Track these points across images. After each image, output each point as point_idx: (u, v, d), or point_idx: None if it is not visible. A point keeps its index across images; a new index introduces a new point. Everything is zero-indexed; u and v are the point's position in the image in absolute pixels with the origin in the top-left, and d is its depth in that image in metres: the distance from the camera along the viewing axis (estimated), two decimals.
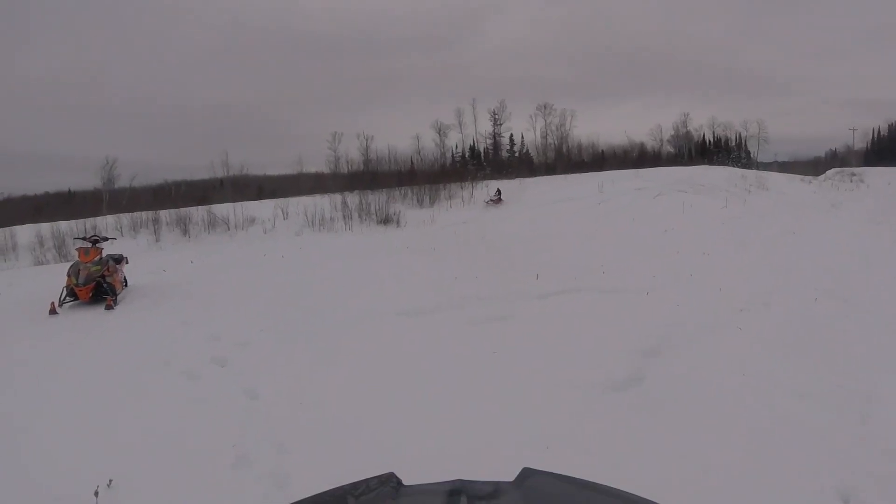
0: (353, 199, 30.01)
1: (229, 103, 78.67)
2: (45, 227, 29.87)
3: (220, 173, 49.10)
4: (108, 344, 7.97)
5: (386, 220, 27.62)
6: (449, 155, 58.86)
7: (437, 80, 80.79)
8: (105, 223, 29.85)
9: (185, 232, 29.14)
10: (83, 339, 8.28)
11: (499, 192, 30.72)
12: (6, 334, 8.66)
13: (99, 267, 10.55)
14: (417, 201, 32.40)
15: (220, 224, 29.42)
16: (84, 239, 11.62)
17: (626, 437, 4.70)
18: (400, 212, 28.42)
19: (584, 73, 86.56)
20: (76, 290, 10.36)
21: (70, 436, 5.11)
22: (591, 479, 1.22)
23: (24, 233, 29.87)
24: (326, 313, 8.74)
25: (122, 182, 46.54)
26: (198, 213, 30.87)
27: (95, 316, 9.71)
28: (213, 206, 32.55)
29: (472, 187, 33.62)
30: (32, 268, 21.80)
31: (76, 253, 11.10)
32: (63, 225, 30.02)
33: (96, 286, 10.47)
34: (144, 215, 31.48)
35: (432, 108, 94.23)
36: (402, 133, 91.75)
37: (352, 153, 56.58)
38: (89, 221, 30.51)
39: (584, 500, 1.18)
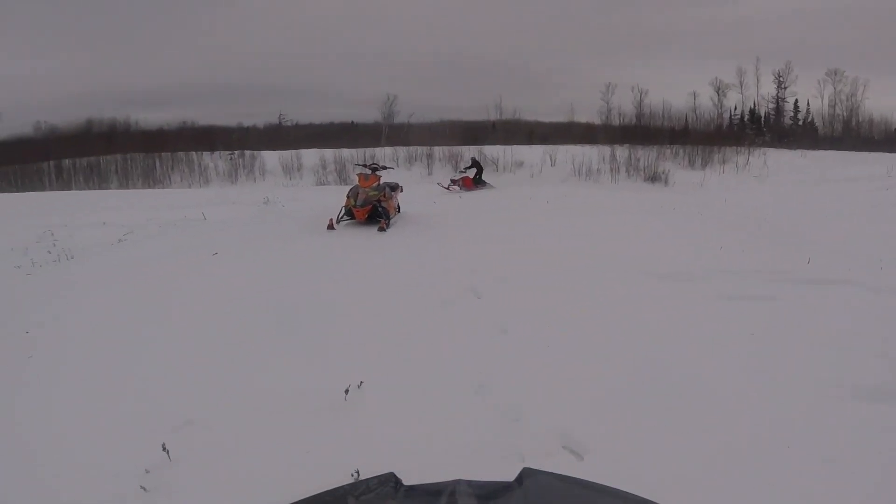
0: (621, 152, 29.32)
1: (505, 49, 79.42)
2: (329, 153, 32.56)
3: (492, 116, 49.94)
4: (374, 262, 8.70)
5: (653, 178, 26.82)
6: (726, 116, 54.52)
7: (719, 36, 75.61)
8: (383, 153, 31.85)
9: (456, 168, 30.20)
10: (354, 255, 9.15)
11: (476, 164, 21.38)
12: (290, 240, 9.78)
13: (376, 192, 11.51)
14: (689, 162, 30.99)
15: (489, 164, 30.14)
16: (364, 166, 12.66)
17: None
18: (669, 171, 27.36)
19: (881, 40, 76.83)
20: (353, 210, 11.44)
21: (333, 338, 5.66)
22: (591, 480, 1.24)
23: (310, 156, 32.72)
24: (583, 263, 8.65)
25: (401, 118, 49.04)
26: (469, 152, 31.79)
27: (368, 236, 10.59)
28: (484, 146, 33.49)
29: (749, 153, 31.31)
30: (314, 187, 23.63)
31: (356, 178, 12.11)
32: (345, 152, 32.49)
33: (372, 209, 11.43)
34: (419, 150, 33.12)
35: (711, 64, 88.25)
36: (679, 88, 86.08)
37: (624, 106, 53.97)
38: (369, 151, 32.83)
39: (584, 500, 1.20)
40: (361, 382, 4.50)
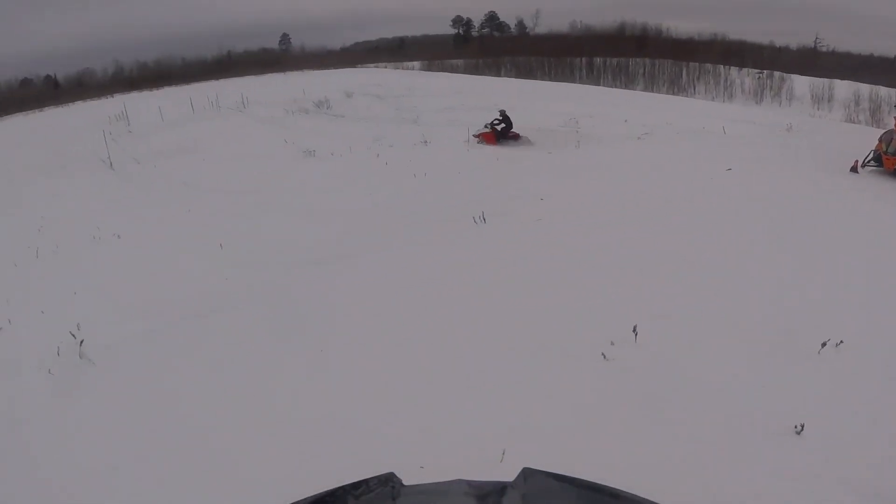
0: None
1: None
2: (864, 88, 30.19)
3: None
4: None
5: None
6: None
7: None
8: None
9: None
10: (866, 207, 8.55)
11: (505, 118, 18.52)
12: (805, 174, 9.94)
13: None
14: None
15: None
16: None
17: None
18: None
19: None
20: (883, 157, 10.54)
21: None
22: (591, 479, 1.25)
23: (842, 88, 30.76)
24: None
25: None
26: None
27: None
28: None
29: None
30: (840, 123, 22.43)
31: (891, 121, 11.23)
32: (882, 90, 29.80)
33: None
34: None
35: None
36: None
37: None
38: None
39: (583, 500, 1.21)
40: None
